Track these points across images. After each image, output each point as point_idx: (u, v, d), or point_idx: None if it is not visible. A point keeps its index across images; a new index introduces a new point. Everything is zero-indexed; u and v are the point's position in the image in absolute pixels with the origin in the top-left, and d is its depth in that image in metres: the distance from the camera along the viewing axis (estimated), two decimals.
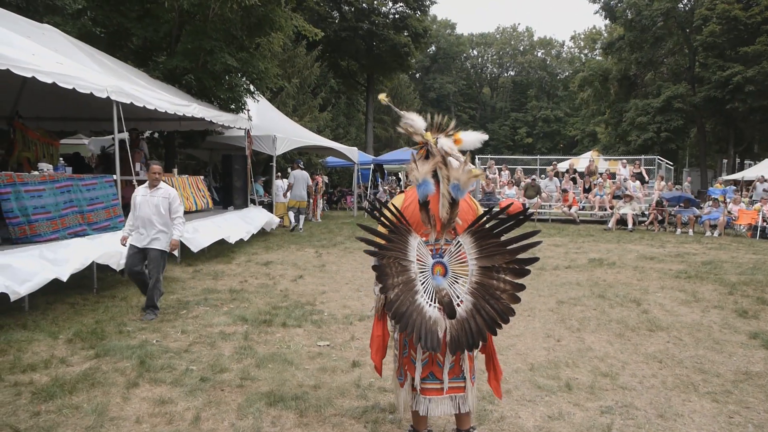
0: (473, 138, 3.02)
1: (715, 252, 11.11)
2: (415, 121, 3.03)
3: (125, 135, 9.08)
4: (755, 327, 5.69)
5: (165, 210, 5.97)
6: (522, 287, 2.71)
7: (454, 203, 2.82)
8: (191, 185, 10.57)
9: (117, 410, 3.60)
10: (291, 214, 14.82)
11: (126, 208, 8.61)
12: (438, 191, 2.85)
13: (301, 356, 4.70)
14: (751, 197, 16.74)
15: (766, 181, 18.50)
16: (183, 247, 8.80)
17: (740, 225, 14.60)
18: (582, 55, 63.25)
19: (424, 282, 2.79)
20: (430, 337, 2.70)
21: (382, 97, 3.13)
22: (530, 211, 3.09)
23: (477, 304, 2.74)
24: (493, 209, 2.86)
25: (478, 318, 2.72)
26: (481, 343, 2.86)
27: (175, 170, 10.85)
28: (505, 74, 69.74)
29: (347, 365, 4.50)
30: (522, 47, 69.13)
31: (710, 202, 15.42)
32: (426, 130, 3.01)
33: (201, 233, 9.18)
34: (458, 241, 2.81)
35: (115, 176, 7.51)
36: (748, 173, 23.65)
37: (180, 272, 8.26)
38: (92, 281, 6.78)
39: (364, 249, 2.86)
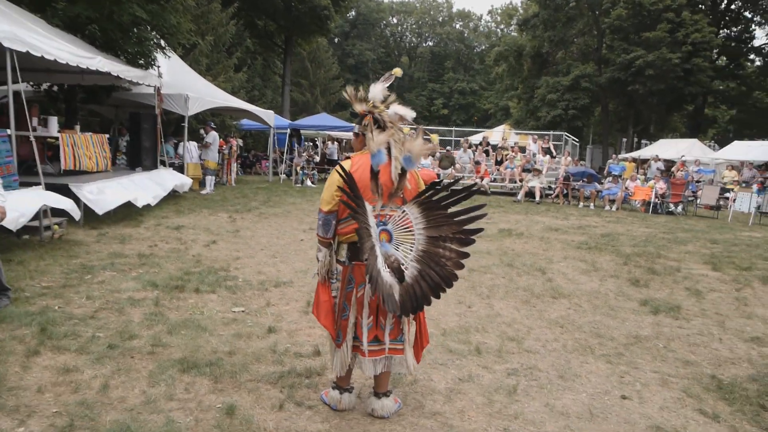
0: (406, 112, 3.13)
1: (613, 225, 11.87)
2: (374, 89, 3.09)
3: (20, 86, 8.39)
4: (645, 295, 6.17)
5: None
6: (467, 255, 2.87)
7: (403, 173, 2.93)
8: (95, 144, 9.95)
9: (16, 380, 3.40)
10: (208, 178, 14.51)
11: (21, 166, 8.04)
12: (389, 161, 2.93)
13: (215, 322, 4.62)
14: (645, 175, 17.94)
15: (659, 160, 19.88)
16: (87, 210, 8.33)
17: (635, 200, 15.66)
18: (498, 30, 64.69)
19: (378, 248, 2.89)
20: (390, 300, 2.80)
21: (398, 71, 3.17)
22: (478, 186, 3.20)
23: (422, 270, 2.86)
24: (439, 183, 2.96)
25: (423, 284, 2.85)
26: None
27: (77, 127, 10.17)
28: (424, 44, 70.11)
29: (263, 331, 4.47)
30: (441, 18, 69.64)
31: (610, 178, 16.40)
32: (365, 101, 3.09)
33: (107, 195, 8.71)
34: (404, 210, 2.91)
35: (9, 131, 6.93)
36: (644, 152, 25.32)
37: (83, 235, 7.82)
38: None
39: (350, 214, 2.90)
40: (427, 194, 2.88)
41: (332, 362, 3.22)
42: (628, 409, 3.46)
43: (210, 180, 14.59)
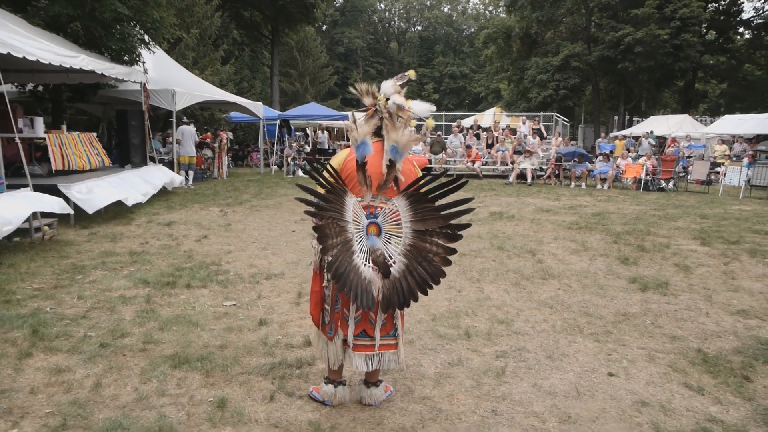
0: (423, 108, 3.07)
1: (604, 204, 11.93)
2: (385, 84, 3.05)
3: (3, 87, 8.34)
4: (634, 272, 6.23)
5: None
6: (453, 251, 2.79)
7: (391, 165, 2.87)
8: (83, 142, 9.92)
9: (9, 382, 3.43)
10: (183, 173, 14.42)
11: (9, 167, 8.03)
12: (378, 151, 2.90)
13: (206, 317, 4.65)
14: (637, 152, 17.97)
15: (649, 137, 19.89)
16: (77, 210, 8.33)
17: (627, 178, 15.71)
18: (487, 12, 64.33)
19: (359, 242, 2.83)
20: (365, 296, 2.74)
21: (411, 73, 3.15)
22: (465, 179, 3.18)
23: (409, 265, 2.81)
24: (428, 173, 2.87)
25: (410, 279, 2.80)
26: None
27: (64, 127, 10.13)
28: (412, 29, 69.77)
29: (254, 324, 4.51)
30: (429, 2, 69.23)
31: (600, 157, 16.43)
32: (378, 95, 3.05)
33: (96, 194, 8.71)
34: (393, 203, 2.86)
35: None
36: (636, 129, 25.33)
37: (74, 235, 7.83)
38: None
39: (305, 210, 2.83)
40: (415, 186, 2.81)
41: (321, 354, 3.22)
42: (615, 386, 3.52)
43: (187, 174, 14.53)
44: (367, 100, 3.04)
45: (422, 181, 2.78)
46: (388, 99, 3.00)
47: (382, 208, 2.89)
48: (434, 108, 3.17)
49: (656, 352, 4.07)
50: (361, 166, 2.86)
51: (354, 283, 2.74)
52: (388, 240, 2.86)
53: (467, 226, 2.82)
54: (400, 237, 2.85)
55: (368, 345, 3.08)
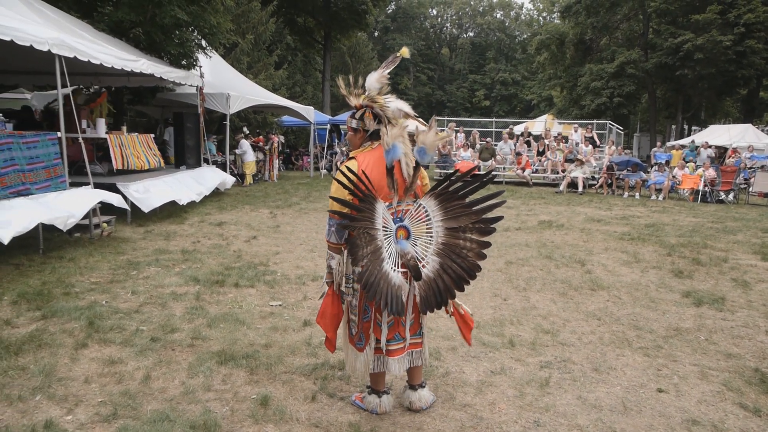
0: (405, 108, 3.05)
1: (659, 215, 11.56)
2: (370, 79, 3.00)
3: (68, 89, 8.74)
4: (689, 286, 6.01)
5: None
6: (488, 244, 2.82)
7: (417, 167, 2.90)
8: (142, 143, 10.28)
9: (65, 371, 3.59)
10: None
11: (73, 166, 8.40)
12: (380, 156, 2.91)
13: (252, 316, 4.74)
14: (694, 162, 17.35)
15: (709, 147, 19.20)
16: (134, 208, 8.64)
17: (683, 189, 15.18)
18: (540, 18, 63.43)
19: (388, 248, 2.83)
20: (395, 302, 2.74)
21: (405, 51, 3.07)
22: (492, 173, 3.25)
23: (443, 263, 2.82)
24: (455, 173, 2.89)
25: (446, 277, 2.81)
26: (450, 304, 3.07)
27: (124, 128, 10.52)
28: (464, 35, 69.48)
29: (299, 324, 4.57)
30: (481, 8, 68.82)
31: (656, 167, 15.94)
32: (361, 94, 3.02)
33: (152, 193, 9.01)
34: (420, 204, 2.88)
35: (59, 134, 7.25)
36: (694, 139, 24.45)
37: (130, 232, 8.12)
38: (38, 242, 6.61)
39: (338, 223, 2.86)
40: (443, 185, 2.84)
41: (352, 368, 3.17)
42: (664, 403, 3.40)
43: None
44: (354, 101, 3.01)
45: (449, 181, 2.83)
46: (371, 97, 2.97)
47: (407, 210, 2.91)
48: (410, 110, 3.07)
49: (710, 369, 3.92)
50: (390, 170, 2.87)
51: (384, 290, 2.73)
52: (415, 242, 2.87)
53: (499, 218, 2.83)
54: (429, 237, 2.86)
55: (400, 348, 3.08)
